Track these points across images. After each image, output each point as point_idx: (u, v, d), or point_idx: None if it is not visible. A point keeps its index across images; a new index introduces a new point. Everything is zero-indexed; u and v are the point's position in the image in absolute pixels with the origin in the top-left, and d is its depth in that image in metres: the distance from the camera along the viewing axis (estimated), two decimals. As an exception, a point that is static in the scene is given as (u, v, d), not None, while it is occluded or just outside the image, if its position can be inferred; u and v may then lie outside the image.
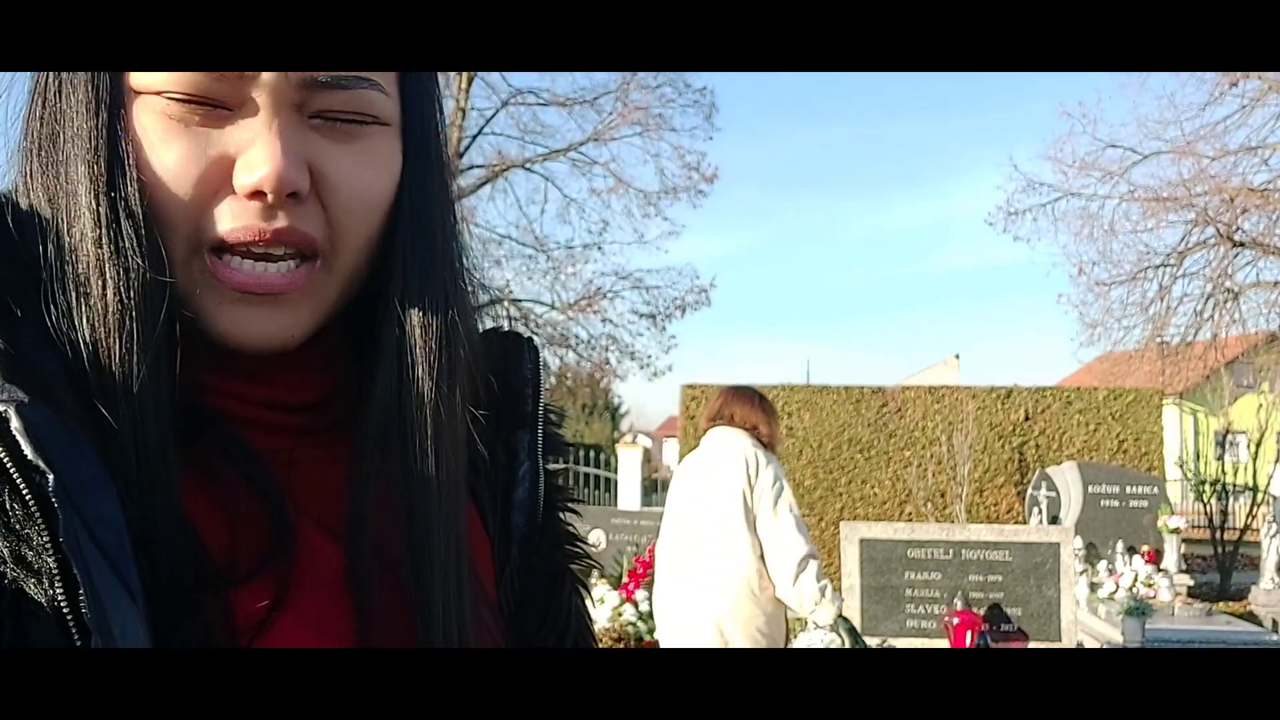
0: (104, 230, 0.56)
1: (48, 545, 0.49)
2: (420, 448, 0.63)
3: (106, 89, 0.58)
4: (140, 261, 0.56)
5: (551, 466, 0.78)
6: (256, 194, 0.57)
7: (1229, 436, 12.37)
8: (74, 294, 0.56)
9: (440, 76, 0.70)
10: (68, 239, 0.57)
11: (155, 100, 0.58)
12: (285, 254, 0.59)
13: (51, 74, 0.60)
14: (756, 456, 3.69)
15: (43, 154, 0.60)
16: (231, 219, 0.58)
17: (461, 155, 17.34)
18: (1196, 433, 21.27)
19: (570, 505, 0.80)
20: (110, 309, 0.56)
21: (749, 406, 3.81)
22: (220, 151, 0.58)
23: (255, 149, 0.57)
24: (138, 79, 0.58)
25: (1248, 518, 11.43)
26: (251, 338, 0.59)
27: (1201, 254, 16.15)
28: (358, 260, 0.62)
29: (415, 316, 0.63)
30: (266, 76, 0.58)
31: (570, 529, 0.80)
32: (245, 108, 0.59)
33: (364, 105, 0.61)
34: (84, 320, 0.56)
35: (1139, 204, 16.10)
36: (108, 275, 0.56)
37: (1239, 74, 15.16)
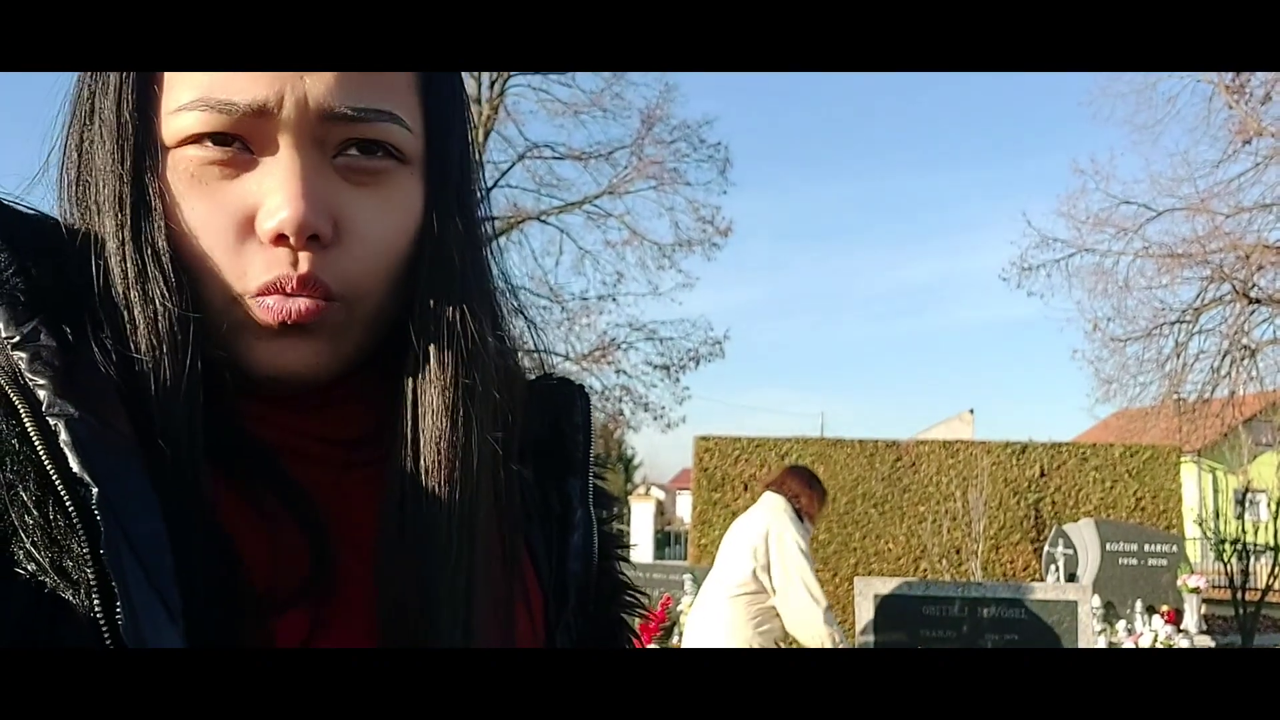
0: (132, 278, 0.58)
1: (87, 557, 0.50)
2: (437, 480, 0.63)
3: (131, 142, 0.59)
4: (169, 307, 0.57)
5: (604, 516, 0.78)
6: (279, 238, 0.58)
7: (1249, 495, 12.22)
8: (111, 329, 0.58)
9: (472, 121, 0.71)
10: (102, 280, 0.59)
11: (181, 157, 0.59)
12: (309, 293, 0.60)
13: (85, 124, 0.62)
14: (786, 519, 4.35)
15: (79, 201, 0.62)
16: (262, 270, 0.59)
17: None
18: (1215, 491, 21.05)
19: (624, 555, 0.80)
20: (143, 350, 0.57)
21: (798, 481, 4.58)
22: (243, 202, 0.59)
23: (276, 194, 0.59)
24: (166, 132, 0.59)
25: (1269, 578, 11.24)
26: (282, 368, 0.60)
27: (1217, 310, 16.10)
28: (383, 302, 0.63)
29: (430, 352, 0.64)
30: (287, 113, 0.59)
31: (624, 578, 0.80)
32: (267, 150, 0.59)
33: (385, 138, 0.62)
34: (121, 354, 0.57)
35: (1153, 260, 16.09)
36: (138, 320, 0.57)
37: (1252, 131, 15.21)
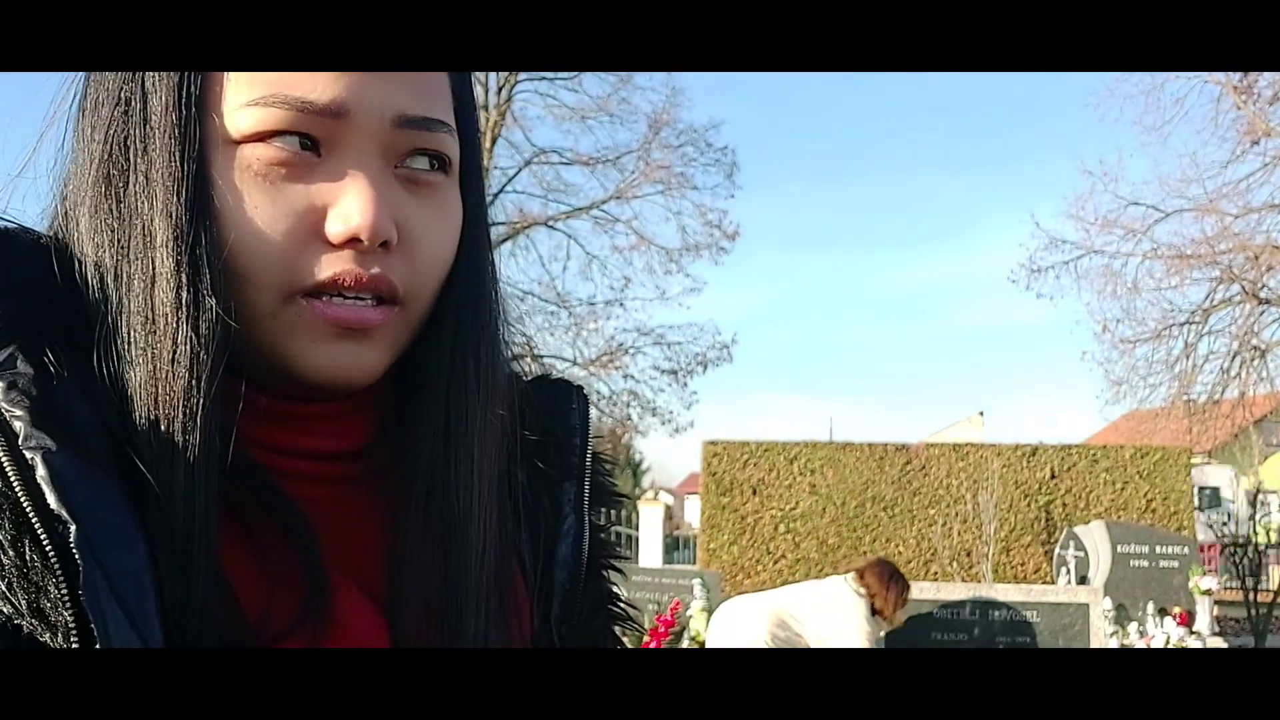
0: (185, 280, 0.55)
1: (65, 598, 0.48)
2: (464, 501, 0.63)
3: (192, 142, 0.57)
4: (216, 312, 0.56)
5: (599, 522, 0.76)
6: (351, 241, 0.58)
7: (1260, 496, 12.15)
8: (137, 341, 0.56)
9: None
10: (137, 286, 0.56)
11: (246, 153, 0.58)
12: (373, 296, 0.60)
13: (121, 126, 0.59)
14: (862, 619, 4.53)
15: (109, 200, 0.59)
16: (327, 267, 0.58)
17: (485, 213, 17.46)
18: (1226, 492, 20.92)
19: (615, 564, 0.78)
20: (182, 357, 0.55)
21: (876, 577, 4.68)
22: (309, 204, 0.58)
23: (349, 198, 0.58)
24: (230, 128, 0.58)
25: (1281, 579, 11.19)
26: (341, 372, 0.60)
27: (1227, 311, 16.03)
28: (428, 308, 0.64)
29: (465, 365, 0.65)
30: (364, 116, 0.59)
31: (614, 588, 0.78)
32: (336, 151, 0.59)
33: (444, 149, 0.63)
34: (145, 368, 0.55)
35: (1162, 261, 16.03)
36: (184, 325, 0.55)
37: (1260, 132, 15.16)
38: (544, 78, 17.54)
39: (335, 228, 0.58)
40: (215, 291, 0.56)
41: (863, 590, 4.64)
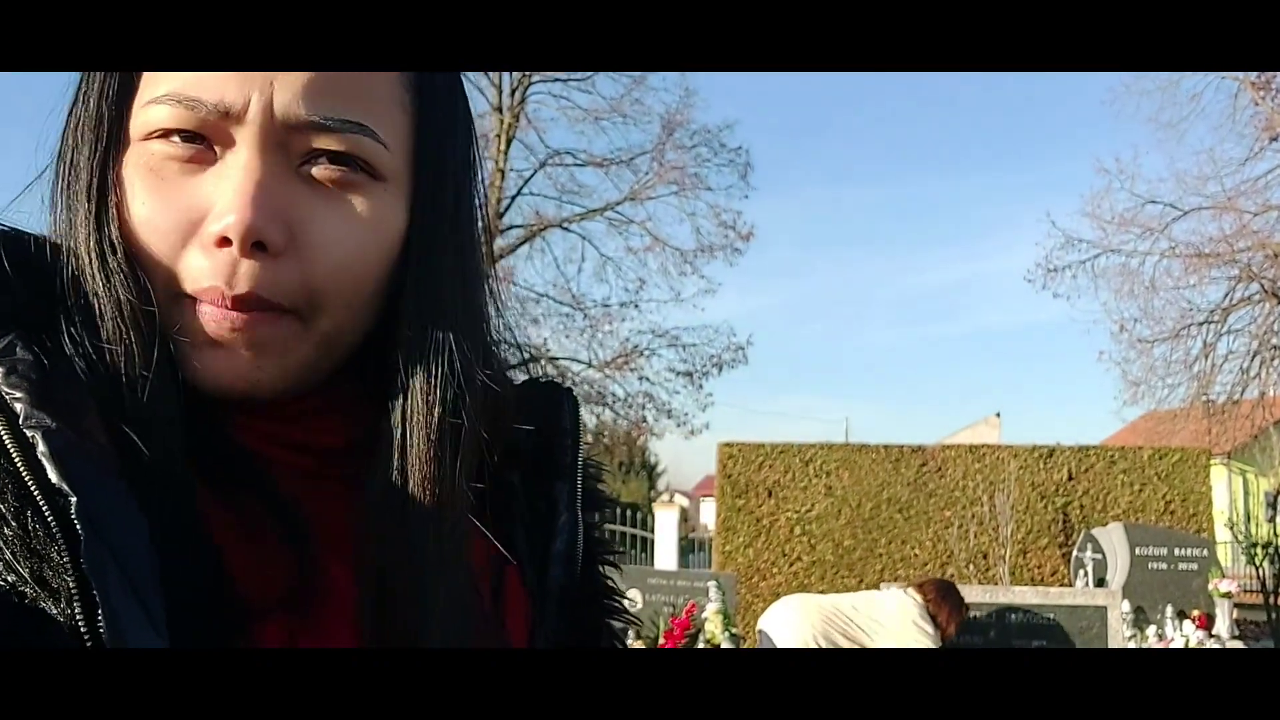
0: (96, 265, 0.58)
1: (67, 565, 0.50)
2: (421, 499, 0.62)
3: (105, 133, 0.60)
4: (129, 296, 0.58)
5: (592, 520, 0.78)
6: (223, 241, 0.58)
7: (1280, 497, 12.06)
8: (81, 323, 0.58)
9: (478, 138, 0.70)
10: (74, 272, 0.59)
11: (142, 151, 0.60)
12: (247, 310, 0.59)
13: (77, 120, 0.62)
14: (910, 622, 4.77)
15: (64, 197, 0.62)
16: (199, 275, 0.58)
17: (501, 216, 17.58)
18: (1246, 493, 20.81)
19: (611, 559, 0.80)
20: (109, 336, 0.58)
21: (934, 589, 5.00)
22: (194, 202, 0.59)
23: (226, 197, 0.58)
24: (135, 125, 0.60)
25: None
26: (213, 381, 0.59)
27: (1246, 310, 15.92)
28: (345, 320, 0.62)
29: (417, 383, 0.63)
30: (252, 117, 0.58)
31: (610, 583, 0.79)
32: (229, 151, 0.59)
33: (357, 151, 0.60)
34: (92, 347, 0.58)
35: (1180, 260, 15.92)
36: (104, 306, 0.58)
37: (1278, 128, 15.05)
38: (557, 79, 17.58)
39: (210, 226, 0.58)
40: (123, 276, 0.58)
41: (920, 600, 4.84)
